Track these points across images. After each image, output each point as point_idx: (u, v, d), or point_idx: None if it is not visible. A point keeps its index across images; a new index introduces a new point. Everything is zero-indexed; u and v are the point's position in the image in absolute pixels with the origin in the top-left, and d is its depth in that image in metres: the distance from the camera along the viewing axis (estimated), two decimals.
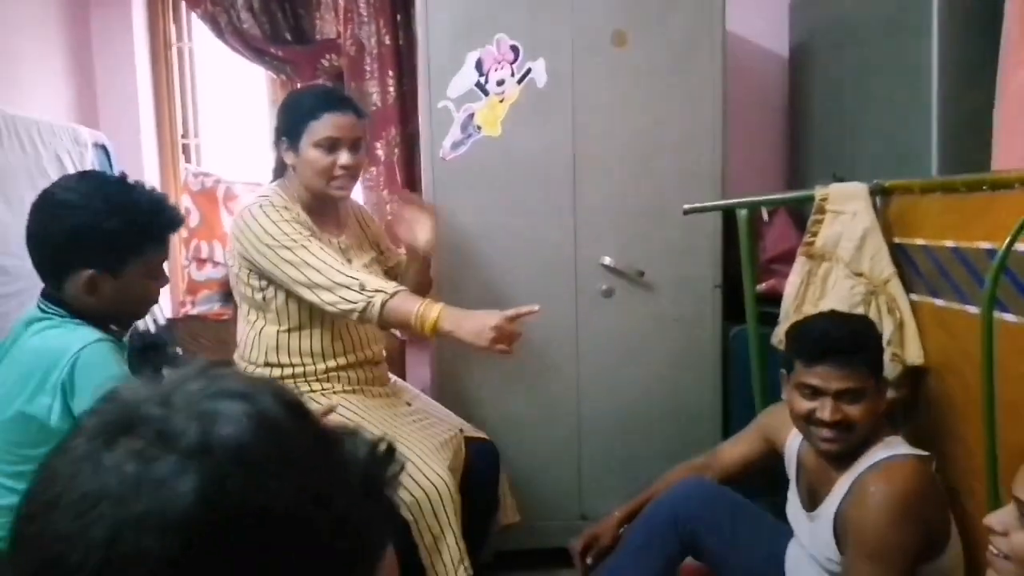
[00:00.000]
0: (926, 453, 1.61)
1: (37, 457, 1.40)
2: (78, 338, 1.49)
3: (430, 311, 1.86)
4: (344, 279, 1.88)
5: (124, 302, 1.57)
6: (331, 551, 0.51)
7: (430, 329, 1.86)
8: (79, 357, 1.46)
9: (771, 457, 1.90)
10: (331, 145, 1.97)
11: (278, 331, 2.02)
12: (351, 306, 1.87)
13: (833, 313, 1.74)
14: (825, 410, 1.57)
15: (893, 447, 1.60)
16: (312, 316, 2.01)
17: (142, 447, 0.49)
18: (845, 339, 1.59)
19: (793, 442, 1.80)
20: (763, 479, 1.95)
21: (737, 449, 1.94)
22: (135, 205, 1.54)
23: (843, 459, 1.62)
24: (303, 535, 0.50)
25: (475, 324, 1.84)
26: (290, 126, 2.00)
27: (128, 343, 1.69)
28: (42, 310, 1.55)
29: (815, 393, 1.59)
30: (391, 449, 0.58)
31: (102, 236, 1.50)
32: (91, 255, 1.50)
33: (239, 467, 0.49)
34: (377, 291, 1.86)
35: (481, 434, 2.16)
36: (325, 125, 1.96)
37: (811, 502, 1.71)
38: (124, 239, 1.52)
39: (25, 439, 1.49)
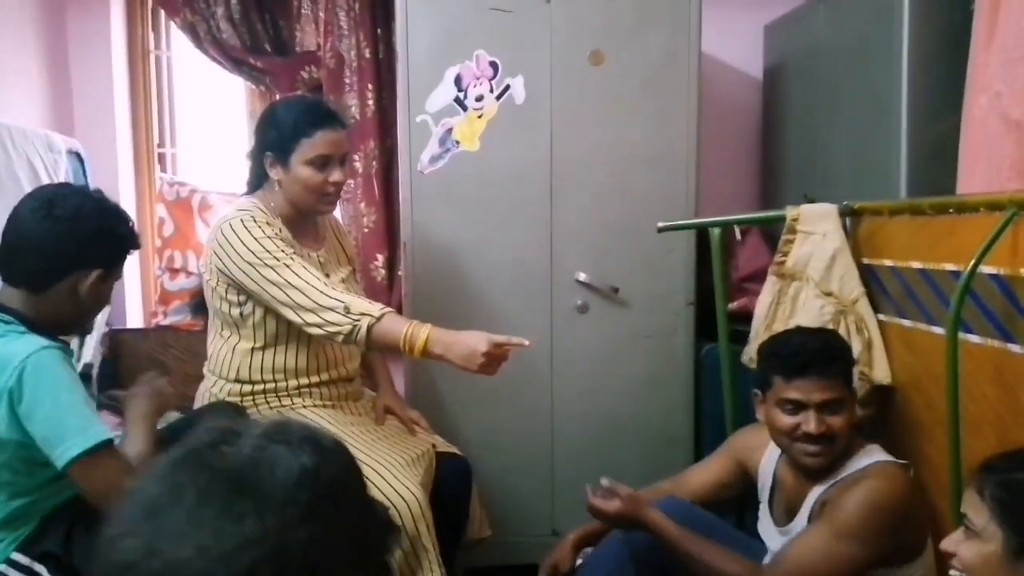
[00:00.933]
0: (905, 462, 1.64)
1: None
2: (23, 346, 1.47)
3: (418, 334, 1.79)
4: (329, 301, 1.82)
5: (97, 304, 1.63)
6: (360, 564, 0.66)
7: (419, 352, 1.79)
8: (26, 365, 1.45)
9: (740, 481, 1.90)
10: (323, 163, 1.93)
11: (252, 348, 1.98)
12: (336, 329, 1.81)
13: (802, 328, 1.77)
14: (810, 423, 1.59)
15: (875, 455, 1.63)
16: (289, 333, 1.97)
17: (257, 440, 0.66)
18: (822, 351, 1.61)
19: (768, 462, 1.81)
20: (730, 500, 1.96)
21: (705, 473, 1.92)
22: (120, 210, 1.66)
23: (823, 472, 1.64)
24: (358, 541, 0.66)
25: (465, 348, 1.77)
26: (279, 141, 1.94)
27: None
28: None
29: (797, 408, 1.60)
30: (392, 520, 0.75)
31: (116, 237, 1.61)
32: (101, 254, 1.58)
33: (336, 457, 0.67)
34: (363, 314, 1.80)
35: (454, 449, 2.15)
36: (318, 143, 1.92)
37: (787, 518, 1.72)
38: (128, 242, 1.64)
39: None
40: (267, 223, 1.92)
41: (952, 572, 1.18)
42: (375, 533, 0.68)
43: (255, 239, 1.88)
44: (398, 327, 1.81)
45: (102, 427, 1.49)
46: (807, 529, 1.60)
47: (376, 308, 1.83)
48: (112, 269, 1.61)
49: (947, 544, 1.19)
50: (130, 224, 1.65)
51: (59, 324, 1.59)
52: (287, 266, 1.85)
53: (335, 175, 1.95)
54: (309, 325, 1.83)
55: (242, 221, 1.90)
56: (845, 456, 1.63)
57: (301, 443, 0.64)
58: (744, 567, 1.59)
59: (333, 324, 1.81)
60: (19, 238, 1.54)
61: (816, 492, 1.65)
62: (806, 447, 1.61)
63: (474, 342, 1.77)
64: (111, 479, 1.45)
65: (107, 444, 1.48)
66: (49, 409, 1.45)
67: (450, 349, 1.78)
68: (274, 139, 1.95)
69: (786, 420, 1.62)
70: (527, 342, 1.83)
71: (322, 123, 1.93)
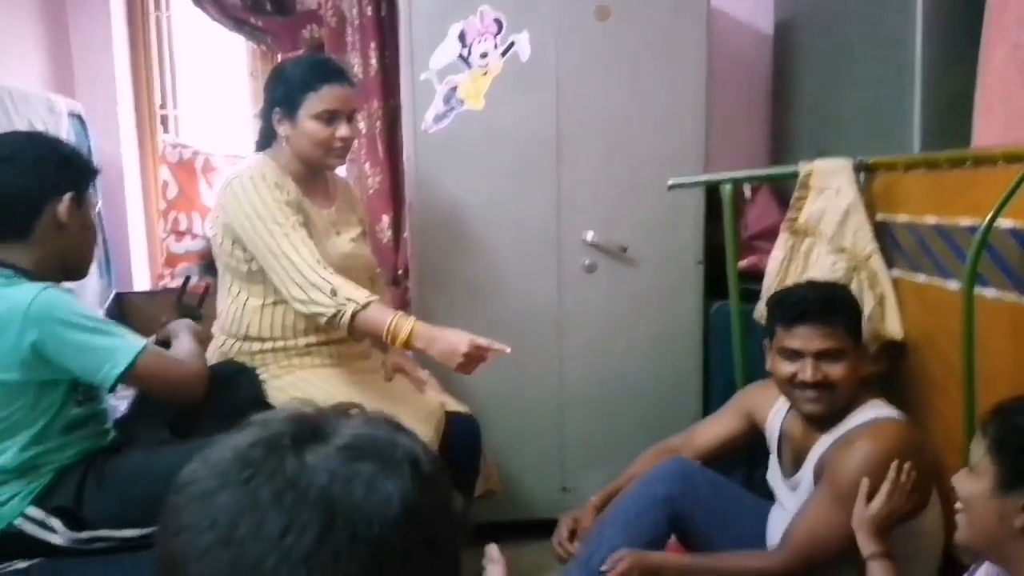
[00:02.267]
0: (909, 418, 1.64)
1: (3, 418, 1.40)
2: (22, 293, 1.50)
3: (402, 326, 1.80)
4: (318, 280, 1.82)
5: (87, 230, 1.65)
6: None
7: (400, 344, 1.82)
8: (32, 308, 1.48)
9: (749, 435, 1.91)
10: (330, 117, 1.95)
11: (262, 304, 1.99)
12: (320, 309, 1.82)
13: (811, 281, 1.78)
14: (807, 371, 1.61)
15: (879, 409, 1.63)
16: None
17: (337, 452, 0.55)
18: (821, 301, 1.63)
19: (776, 416, 1.82)
20: (740, 452, 1.97)
21: (714, 429, 1.94)
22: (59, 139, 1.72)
23: (828, 423, 1.65)
24: (451, 560, 0.58)
25: (446, 346, 1.79)
26: (286, 97, 1.96)
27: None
28: None
29: (796, 356, 1.63)
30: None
31: (63, 157, 1.61)
32: (62, 179, 1.58)
33: (435, 484, 0.57)
34: (348, 300, 1.81)
35: (463, 408, 2.15)
36: (325, 97, 1.94)
37: (794, 469, 1.73)
38: (79, 160, 1.65)
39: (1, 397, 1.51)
40: (276, 185, 1.93)
41: (957, 505, 1.22)
42: (458, 552, 0.60)
43: (261, 200, 1.89)
44: (383, 317, 1.82)
45: (132, 337, 1.58)
46: (809, 501, 1.61)
47: (363, 295, 1.83)
48: (81, 190, 1.62)
49: (953, 479, 1.24)
50: (73, 146, 1.70)
51: (62, 266, 1.63)
52: (286, 235, 1.86)
53: (342, 130, 1.96)
54: (295, 299, 1.85)
55: (252, 179, 1.91)
56: (849, 408, 1.64)
57: (400, 464, 0.55)
58: (758, 562, 1.63)
59: (318, 304, 1.82)
60: None
61: (821, 444, 1.66)
62: (804, 394, 1.64)
63: (456, 341, 1.79)
64: (168, 376, 1.61)
65: (145, 349, 1.57)
66: (77, 339, 1.50)
67: (432, 345, 1.80)
68: (282, 95, 1.97)
69: (786, 368, 1.65)
70: (508, 350, 1.84)
71: (329, 78, 1.95)
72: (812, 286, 1.71)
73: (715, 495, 1.82)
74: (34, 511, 1.53)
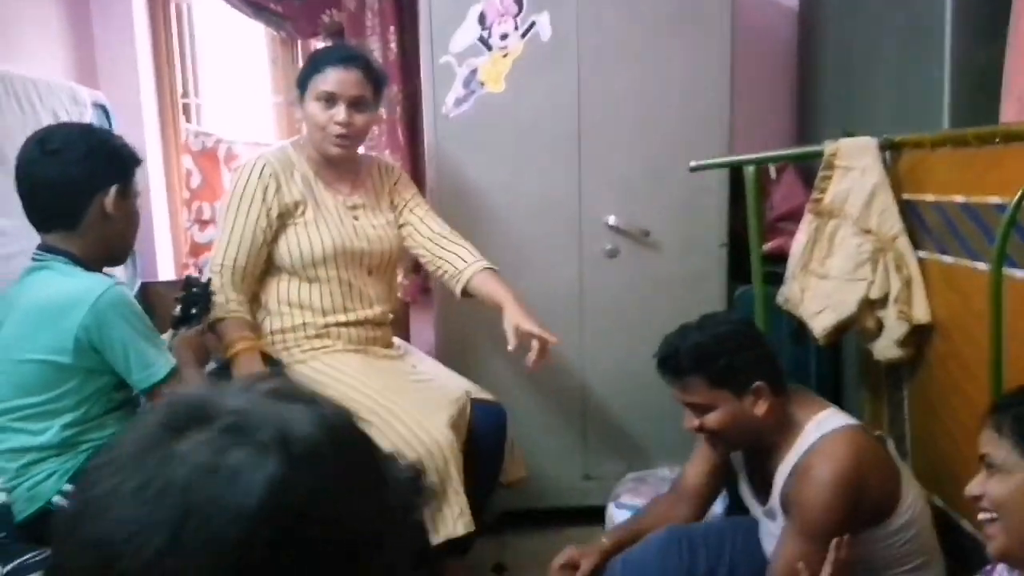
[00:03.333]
0: (859, 422, 1.61)
1: (41, 402, 1.49)
2: (93, 283, 1.59)
3: (233, 348, 1.90)
4: (215, 266, 1.98)
5: (131, 221, 1.73)
6: (367, 567, 0.52)
7: (230, 356, 1.91)
8: (101, 301, 1.56)
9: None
10: (328, 99, 1.98)
11: (278, 282, 2.05)
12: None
13: (685, 327, 1.68)
14: (685, 420, 1.65)
15: (824, 424, 1.58)
16: (316, 270, 2.02)
17: (214, 437, 0.50)
18: (669, 359, 1.62)
19: None
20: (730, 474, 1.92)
21: (698, 466, 1.88)
22: (107, 130, 1.80)
23: (776, 449, 1.62)
24: (351, 545, 0.51)
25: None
26: (301, 79, 2.05)
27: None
28: (40, 259, 1.64)
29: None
30: (422, 477, 0.62)
31: (112, 149, 1.67)
32: (111, 171, 1.65)
33: (310, 468, 0.50)
34: (216, 304, 1.92)
35: (488, 396, 2.14)
36: (325, 79, 1.98)
37: (764, 490, 1.69)
38: (126, 152, 1.70)
39: (34, 384, 1.58)
40: (274, 175, 2.00)
41: (982, 515, 1.14)
42: (395, 508, 0.55)
43: (242, 185, 1.99)
44: (230, 334, 1.92)
45: (167, 357, 1.66)
46: (781, 540, 1.57)
47: (221, 310, 1.93)
48: (126, 182, 1.69)
49: (971, 489, 1.16)
50: (121, 139, 1.75)
51: (107, 254, 1.71)
52: (234, 218, 1.98)
53: (339, 115, 1.97)
54: (205, 270, 2.03)
55: (248, 166, 2.02)
56: (789, 435, 1.60)
57: (268, 446, 0.50)
58: None
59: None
60: (30, 186, 1.64)
61: (780, 472, 1.61)
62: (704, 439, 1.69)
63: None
64: None
65: (176, 370, 1.66)
66: (129, 339, 1.59)
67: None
68: (300, 78, 2.06)
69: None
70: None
71: (334, 61, 1.99)
72: (681, 336, 1.64)
73: (706, 548, 1.77)
74: (71, 488, 1.59)
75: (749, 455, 1.76)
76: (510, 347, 1.93)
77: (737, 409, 1.59)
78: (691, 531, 1.79)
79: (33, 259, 1.65)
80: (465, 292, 2.11)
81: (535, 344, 1.92)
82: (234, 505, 0.47)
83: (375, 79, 2.04)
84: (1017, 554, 1.11)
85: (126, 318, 1.59)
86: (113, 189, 1.65)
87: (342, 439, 0.54)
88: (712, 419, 1.60)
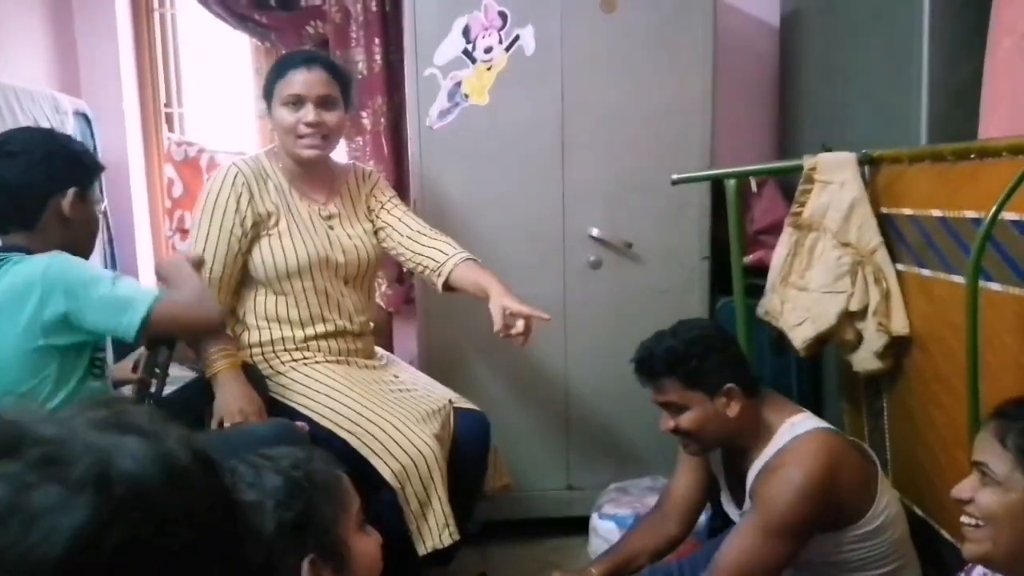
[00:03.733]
0: (830, 426, 1.64)
1: (28, 392, 1.48)
2: (34, 262, 1.58)
3: (213, 368, 1.85)
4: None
5: (89, 224, 1.74)
6: None
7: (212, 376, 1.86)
8: (48, 274, 1.55)
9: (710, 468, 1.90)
10: (296, 101, 1.96)
11: (254, 296, 2.03)
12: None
13: (660, 333, 1.73)
14: (661, 421, 1.69)
15: (797, 427, 1.62)
16: (291, 282, 2.00)
17: (19, 471, 0.41)
18: (643, 362, 1.69)
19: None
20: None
21: (683, 481, 1.89)
22: (70, 137, 1.80)
23: (748, 452, 1.66)
24: None
25: (225, 403, 1.81)
26: (265, 90, 2.03)
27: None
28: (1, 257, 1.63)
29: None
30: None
31: (72, 153, 1.69)
32: (69, 174, 1.66)
33: (132, 510, 0.41)
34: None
35: (471, 405, 2.14)
36: (289, 83, 1.97)
37: (741, 495, 1.72)
38: (87, 158, 1.74)
39: (18, 375, 1.57)
40: (246, 184, 1.98)
41: (964, 519, 1.14)
42: (255, 566, 0.49)
43: (215, 194, 1.97)
44: (209, 348, 1.86)
45: (145, 288, 1.67)
46: (737, 528, 1.61)
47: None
48: (85, 187, 1.70)
49: (961, 491, 1.16)
50: (83, 144, 1.78)
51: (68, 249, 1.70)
52: (204, 228, 1.95)
53: (308, 115, 1.96)
54: None
55: (220, 175, 2.00)
56: (762, 438, 1.64)
57: (82, 485, 0.41)
58: None
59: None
60: None
61: (752, 471, 1.65)
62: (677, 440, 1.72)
63: (236, 403, 1.81)
64: (184, 316, 1.71)
65: (159, 296, 1.67)
66: (95, 296, 1.58)
67: (220, 393, 1.82)
68: (263, 89, 2.04)
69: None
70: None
71: (296, 64, 1.98)
72: (655, 340, 1.70)
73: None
74: None
75: (727, 463, 1.78)
76: (496, 328, 1.89)
77: (710, 410, 1.64)
78: (668, 570, 1.82)
79: None
80: (447, 286, 2.07)
81: (520, 323, 1.90)
82: (31, 558, 0.38)
83: (340, 77, 2.03)
84: (999, 563, 1.12)
85: (82, 279, 1.58)
86: (71, 192, 1.66)
87: (182, 482, 0.44)
88: (686, 419, 1.65)
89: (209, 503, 0.46)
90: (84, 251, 1.75)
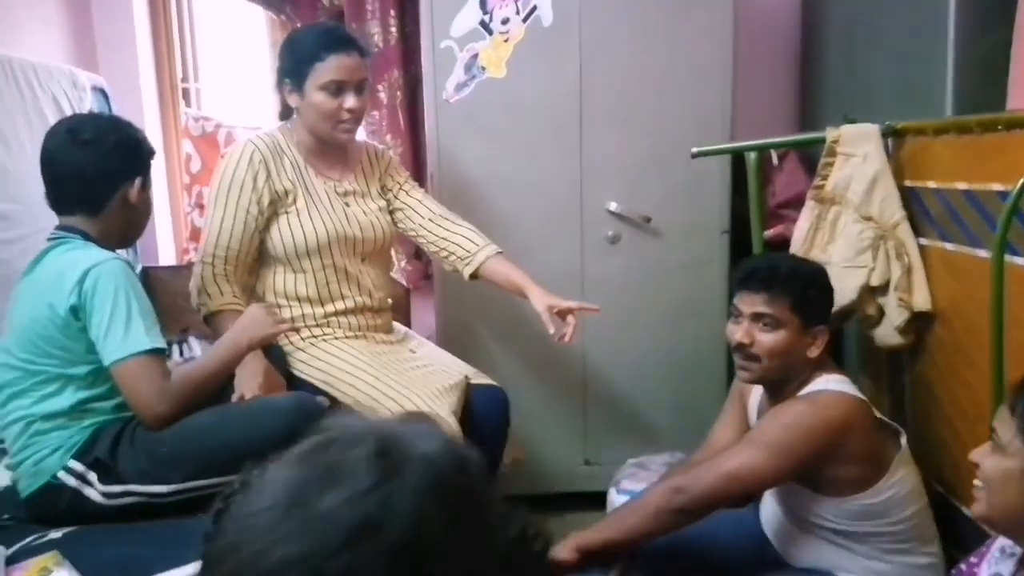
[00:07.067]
0: (862, 397, 1.60)
1: (56, 365, 1.56)
2: (87, 255, 1.62)
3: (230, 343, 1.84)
4: (206, 256, 1.95)
5: (147, 210, 1.78)
6: None
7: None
8: (88, 274, 1.58)
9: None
10: (337, 88, 1.92)
11: (273, 274, 2.03)
12: (193, 292, 1.97)
13: (782, 253, 1.75)
14: (738, 332, 1.62)
15: (831, 383, 1.60)
16: (310, 259, 2.00)
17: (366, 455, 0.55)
18: (767, 269, 1.63)
19: (755, 398, 1.79)
20: None
21: (727, 429, 1.87)
22: (130, 124, 1.79)
23: (781, 398, 1.64)
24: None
25: (248, 373, 1.81)
26: (294, 68, 1.95)
27: None
28: (58, 238, 1.68)
29: (738, 318, 1.64)
30: (539, 533, 0.63)
31: (136, 142, 1.73)
32: (136, 163, 1.72)
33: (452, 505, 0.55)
34: (202, 305, 1.94)
35: (489, 380, 2.14)
36: (330, 68, 1.91)
37: None
38: (147, 145, 1.77)
39: (48, 346, 1.62)
40: (263, 162, 1.96)
41: (975, 482, 1.17)
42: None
43: (232, 171, 1.95)
44: (221, 329, 1.86)
45: (147, 337, 1.61)
46: (736, 446, 1.60)
47: (216, 303, 1.92)
48: (147, 174, 1.75)
49: (973, 455, 1.18)
50: (142, 131, 1.80)
51: (122, 237, 1.78)
52: (224, 209, 1.94)
53: (350, 101, 1.93)
54: (192, 272, 1.99)
55: (236, 152, 1.98)
56: (801, 385, 1.62)
57: (420, 487, 0.54)
58: (661, 492, 1.59)
59: (193, 287, 1.97)
60: (59, 172, 1.68)
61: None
62: (737, 359, 1.65)
63: (254, 375, 1.82)
64: (139, 387, 1.61)
65: (147, 353, 1.60)
66: (105, 314, 1.58)
67: (242, 368, 1.80)
68: (290, 66, 1.96)
69: (730, 327, 1.66)
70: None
71: (335, 47, 1.92)
72: (773, 255, 1.71)
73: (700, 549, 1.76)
74: (75, 464, 1.62)
75: (760, 411, 1.76)
76: (551, 330, 1.95)
77: (796, 340, 1.61)
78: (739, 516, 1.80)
79: (50, 239, 1.69)
80: (474, 275, 2.10)
81: (571, 319, 1.97)
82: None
83: (368, 58, 2.01)
84: (995, 523, 1.16)
85: (108, 293, 1.58)
86: (138, 181, 1.71)
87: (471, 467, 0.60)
88: (772, 338, 1.60)
89: (490, 507, 0.60)
90: (137, 234, 1.82)
